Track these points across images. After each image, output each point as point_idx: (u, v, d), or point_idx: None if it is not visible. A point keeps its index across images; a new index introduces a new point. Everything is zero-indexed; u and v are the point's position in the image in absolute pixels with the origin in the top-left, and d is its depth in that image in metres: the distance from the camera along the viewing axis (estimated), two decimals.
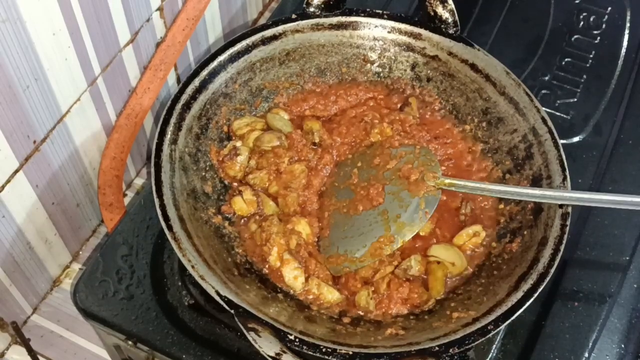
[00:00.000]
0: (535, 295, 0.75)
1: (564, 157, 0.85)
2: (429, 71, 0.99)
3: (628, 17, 1.17)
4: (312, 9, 0.97)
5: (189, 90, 0.89)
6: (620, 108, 1.06)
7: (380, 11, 0.99)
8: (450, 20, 0.96)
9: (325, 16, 0.97)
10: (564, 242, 0.79)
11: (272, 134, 0.93)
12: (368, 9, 0.99)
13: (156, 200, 0.79)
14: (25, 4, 0.79)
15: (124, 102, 1.07)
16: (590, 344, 0.84)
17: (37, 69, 0.85)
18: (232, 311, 0.72)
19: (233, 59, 0.93)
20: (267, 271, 0.84)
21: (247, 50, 0.94)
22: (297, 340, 0.71)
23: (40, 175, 0.94)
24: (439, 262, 0.84)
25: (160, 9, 1.05)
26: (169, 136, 0.85)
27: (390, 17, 0.98)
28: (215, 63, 0.92)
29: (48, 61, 0.86)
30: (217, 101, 0.92)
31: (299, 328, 0.74)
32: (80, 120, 0.98)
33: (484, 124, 0.95)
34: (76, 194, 1.05)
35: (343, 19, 0.98)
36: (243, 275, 0.81)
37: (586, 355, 0.83)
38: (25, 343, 0.94)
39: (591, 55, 1.12)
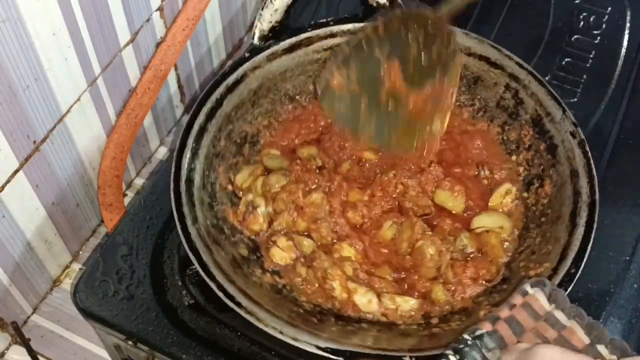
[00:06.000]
0: (595, 225, 0.77)
1: (553, 91, 0.87)
2: None
3: (628, 17, 1.17)
4: (257, 42, 0.96)
5: (185, 164, 0.86)
6: (620, 108, 1.06)
7: (325, 19, 0.98)
8: (389, 3, 0.97)
9: (276, 44, 0.96)
10: (593, 167, 0.81)
11: (276, 174, 0.91)
12: (312, 22, 0.98)
13: (211, 284, 0.76)
14: (25, 4, 0.79)
15: (124, 102, 1.07)
16: None
17: (37, 69, 0.85)
18: (340, 358, 0.72)
19: (209, 117, 0.90)
20: (338, 306, 0.82)
21: (218, 103, 0.92)
22: (413, 359, 0.71)
23: (40, 175, 0.94)
24: (488, 231, 0.84)
25: (160, 9, 1.05)
26: (189, 216, 0.81)
27: (336, 22, 0.98)
28: (196, 127, 0.88)
29: (48, 61, 0.86)
30: (212, 164, 0.90)
31: (405, 347, 0.73)
32: (80, 120, 0.98)
33: (462, 88, 0.96)
34: (76, 194, 1.05)
35: (293, 39, 0.97)
36: (321, 321, 0.80)
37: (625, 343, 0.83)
38: (25, 343, 0.94)
39: (591, 55, 1.12)
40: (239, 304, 0.75)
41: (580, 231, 0.78)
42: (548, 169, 0.87)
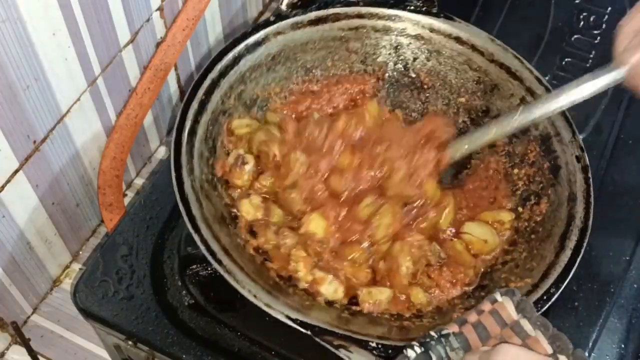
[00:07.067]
0: (582, 251, 0.77)
1: (567, 112, 0.86)
2: (413, 51, 0.99)
3: None
4: (284, 9, 0.96)
5: (191, 114, 0.86)
6: (620, 108, 1.06)
7: None
8: None
9: (303, 13, 0.96)
10: (592, 194, 0.81)
11: (262, 129, 0.90)
12: None
13: (195, 237, 0.76)
14: (25, 4, 0.79)
15: (124, 102, 1.07)
16: (590, 344, 0.84)
17: (37, 69, 0.85)
18: (309, 332, 0.71)
19: (223, 73, 0.91)
20: (306, 285, 0.81)
21: (235, 61, 0.92)
22: (379, 346, 0.70)
23: (40, 175, 0.94)
24: (452, 239, 0.84)
25: (160, 9, 1.05)
26: (185, 167, 0.81)
27: (366, 4, 0.98)
28: (208, 81, 0.89)
29: (48, 61, 0.87)
30: (217, 120, 0.90)
31: (374, 334, 0.72)
32: (80, 120, 0.98)
33: (479, 94, 0.95)
34: (76, 194, 1.05)
35: (320, 13, 0.97)
36: (296, 294, 0.79)
37: (586, 355, 0.83)
38: (25, 343, 0.95)
39: (591, 55, 1.12)
40: (219, 262, 0.75)
41: (567, 254, 0.77)
42: (547, 188, 0.85)
